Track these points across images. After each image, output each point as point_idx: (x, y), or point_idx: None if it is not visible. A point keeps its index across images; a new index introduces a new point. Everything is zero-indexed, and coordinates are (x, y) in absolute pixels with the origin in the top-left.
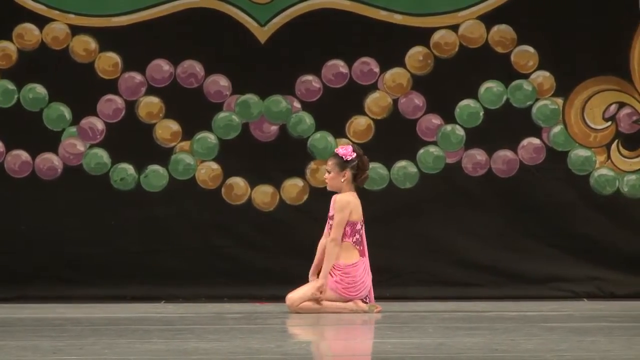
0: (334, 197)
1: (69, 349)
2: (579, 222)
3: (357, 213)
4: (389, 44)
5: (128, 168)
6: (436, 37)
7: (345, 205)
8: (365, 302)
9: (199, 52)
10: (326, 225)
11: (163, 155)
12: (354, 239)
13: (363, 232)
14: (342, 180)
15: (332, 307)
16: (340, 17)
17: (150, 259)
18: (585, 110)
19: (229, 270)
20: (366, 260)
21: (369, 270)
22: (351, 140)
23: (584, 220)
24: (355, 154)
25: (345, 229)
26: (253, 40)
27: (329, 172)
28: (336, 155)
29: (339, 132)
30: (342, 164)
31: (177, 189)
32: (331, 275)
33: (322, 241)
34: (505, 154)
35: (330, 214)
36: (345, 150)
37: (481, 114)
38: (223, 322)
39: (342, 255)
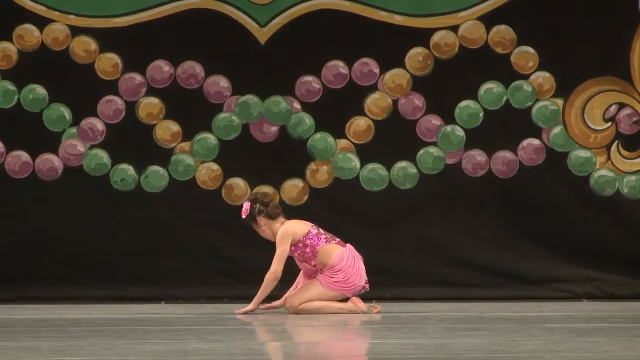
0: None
1: (69, 349)
2: (578, 223)
3: (300, 228)
4: (389, 44)
5: (128, 169)
6: (436, 37)
7: (282, 237)
8: (367, 287)
9: (199, 53)
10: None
11: (163, 156)
12: (323, 239)
13: (321, 230)
14: (264, 228)
15: (331, 308)
16: (340, 18)
17: (150, 260)
18: (585, 111)
19: (229, 270)
20: (349, 247)
21: (357, 254)
22: (351, 141)
23: (584, 221)
24: (247, 205)
25: (305, 250)
26: (253, 41)
27: (259, 232)
28: (244, 218)
29: (339, 133)
30: (250, 218)
31: (177, 189)
32: (328, 277)
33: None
34: (505, 154)
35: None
36: (244, 207)
37: (481, 114)
38: (223, 323)
39: (325, 257)
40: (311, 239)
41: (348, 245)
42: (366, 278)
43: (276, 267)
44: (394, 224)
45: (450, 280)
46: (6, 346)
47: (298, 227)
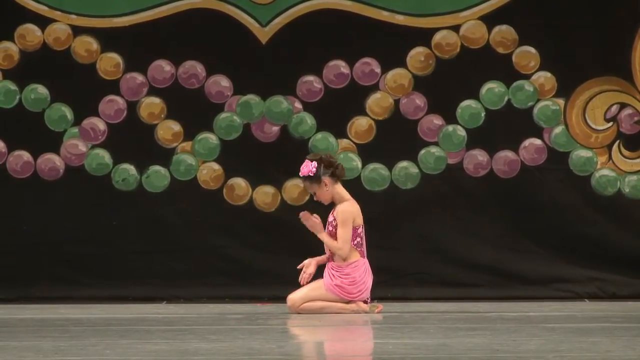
0: (336, 208)
1: (71, 349)
2: (580, 223)
3: (359, 218)
4: (391, 44)
5: (130, 168)
6: (437, 37)
7: (347, 217)
8: (366, 303)
9: (201, 53)
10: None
11: (164, 156)
12: (355, 242)
13: (364, 234)
14: (327, 189)
15: (333, 308)
16: (342, 18)
17: (151, 260)
18: (586, 111)
19: (230, 270)
20: (366, 261)
21: (370, 270)
22: (352, 141)
23: (585, 221)
24: (314, 162)
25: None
26: (254, 41)
27: (314, 193)
28: (304, 177)
29: (340, 133)
30: (315, 178)
31: (178, 189)
32: (331, 277)
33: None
34: (506, 154)
35: (330, 219)
36: (306, 167)
37: (482, 114)
38: (224, 323)
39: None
40: (354, 231)
41: (366, 258)
42: (369, 295)
43: (344, 247)
44: (395, 224)
45: (452, 280)
46: (8, 346)
47: (358, 215)
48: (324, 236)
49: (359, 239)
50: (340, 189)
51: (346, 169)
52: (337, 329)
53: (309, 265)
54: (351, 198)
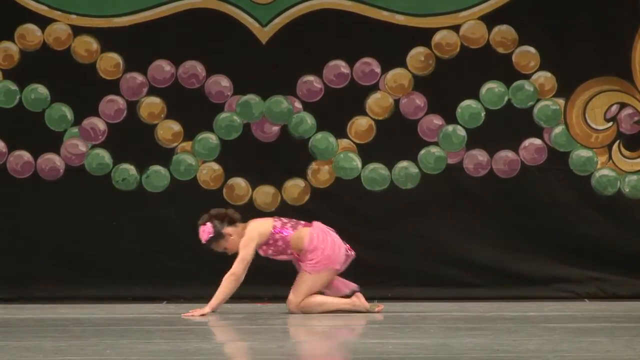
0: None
1: (71, 349)
2: (580, 223)
3: (264, 228)
4: (391, 44)
5: (130, 168)
6: (437, 37)
7: (248, 240)
8: (352, 253)
9: (201, 53)
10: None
11: (164, 156)
12: (290, 229)
13: (284, 219)
14: (234, 238)
15: (333, 304)
16: (342, 18)
17: (151, 260)
18: (586, 110)
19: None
20: (316, 224)
21: (325, 228)
22: (352, 141)
23: (586, 221)
24: (207, 223)
25: (277, 244)
26: (254, 41)
27: (226, 249)
28: (208, 242)
29: (340, 133)
30: (217, 236)
31: (178, 189)
32: (306, 264)
33: None
34: (506, 154)
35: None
36: (203, 232)
37: (482, 114)
38: (224, 323)
39: (298, 243)
40: (278, 232)
41: (314, 223)
42: (346, 245)
43: (238, 268)
44: (395, 224)
45: (452, 280)
46: (8, 346)
47: (262, 228)
48: (213, 304)
49: (288, 225)
50: (242, 230)
51: (346, 169)
52: (337, 329)
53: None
54: (250, 223)
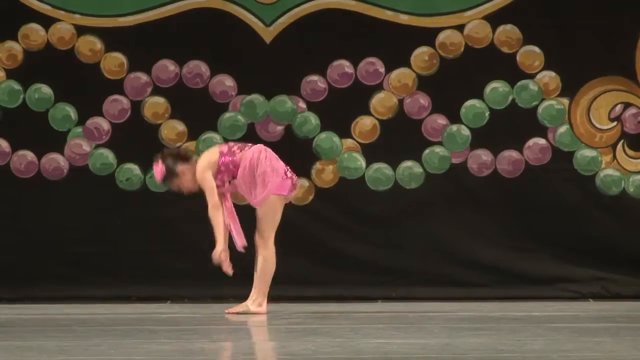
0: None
1: (75, 349)
2: (584, 223)
3: (212, 157)
4: (395, 44)
5: (134, 168)
6: (442, 37)
7: (201, 172)
8: (295, 179)
9: (205, 53)
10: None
11: None
12: (238, 150)
13: (230, 143)
14: (188, 176)
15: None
16: (346, 17)
17: (156, 259)
18: (591, 110)
19: (234, 270)
20: (261, 145)
21: (272, 154)
22: (356, 141)
23: (590, 221)
24: (159, 161)
25: (229, 168)
26: (258, 41)
27: (179, 188)
28: (163, 180)
29: (345, 133)
30: (171, 174)
31: None
32: (253, 202)
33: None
34: (510, 154)
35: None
36: (157, 172)
37: (487, 114)
38: (229, 323)
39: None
40: (227, 156)
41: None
42: (286, 168)
43: (210, 200)
44: (399, 224)
45: (456, 279)
46: (12, 346)
47: (210, 157)
48: (221, 239)
49: (235, 148)
50: (194, 167)
51: (350, 169)
52: (339, 329)
53: (225, 259)
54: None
